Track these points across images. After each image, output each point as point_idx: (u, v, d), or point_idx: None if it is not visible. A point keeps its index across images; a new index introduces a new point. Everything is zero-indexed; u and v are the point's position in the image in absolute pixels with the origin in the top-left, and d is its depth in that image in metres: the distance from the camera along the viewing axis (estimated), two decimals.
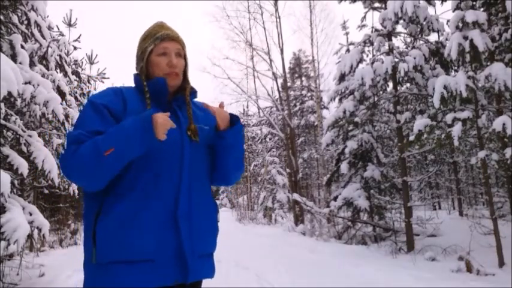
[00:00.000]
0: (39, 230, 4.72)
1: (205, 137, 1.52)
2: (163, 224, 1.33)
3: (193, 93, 1.59)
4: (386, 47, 8.37)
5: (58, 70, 7.24)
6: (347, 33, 11.64)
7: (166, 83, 1.46)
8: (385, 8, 8.32)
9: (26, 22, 5.84)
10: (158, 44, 1.48)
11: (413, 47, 8.32)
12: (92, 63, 12.28)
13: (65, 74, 7.56)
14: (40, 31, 6.23)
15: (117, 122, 1.36)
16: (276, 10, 15.50)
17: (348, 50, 10.82)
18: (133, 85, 1.54)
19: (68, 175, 1.33)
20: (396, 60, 7.97)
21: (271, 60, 15.62)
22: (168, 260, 1.33)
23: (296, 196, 12.24)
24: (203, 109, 1.64)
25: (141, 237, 1.30)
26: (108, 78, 12.32)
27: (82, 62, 12.23)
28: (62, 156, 1.33)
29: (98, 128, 1.33)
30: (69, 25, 10.33)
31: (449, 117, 6.01)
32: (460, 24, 5.98)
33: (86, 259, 1.37)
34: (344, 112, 8.92)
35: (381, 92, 8.98)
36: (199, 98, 1.73)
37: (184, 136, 1.44)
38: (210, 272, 1.51)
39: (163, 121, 1.30)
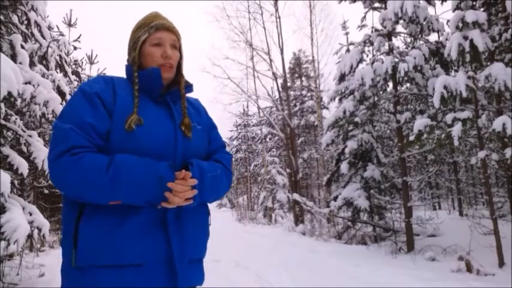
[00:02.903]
0: (39, 230, 4.72)
1: (198, 135, 1.44)
2: (152, 227, 1.25)
3: (189, 87, 1.50)
4: (386, 47, 8.37)
5: (58, 70, 7.24)
6: (347, 33, 11.65)
7: (161, 73, 1.36)
8: (385, 8, 8.32)
9: (26, 22, 5.85)
10: (152, 34, 1.40)
11: (413, 47, 8.32)
12: (92, 63, 12.28)
13: (65, 74, 7.56)
14: (40, 31, 6.23)
15: (108, 113, 1.27)
16: (276, 10, 15.51)
17: (348, 50, 10.83)
18: (125, 76, 1.45)
19: (61, 188, 1.22)
20: (396, 60, 7.96)
21: (271, 60, 15.64)
22: (156, 264, 1.24)
23: (296, 196, 12.24)
24: (196, 107, 1.57)
25: (128, 240, 1.21)
26: None
27: (82, 62, 12.23)
28: (56, 166, 1.19)
29: (89, 120, 1.23)
30: (69, 25, 10.33)
31: (449, 117, 6.01)
32: (460, 24, 5.98)
33: (64, 264, 1.25)
34: (344, 112, 8.92)
35: (381, 92, 8.98)
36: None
37: (177, 131, 1.36)
38: (199, 279, 1.42)
39: (179, 200, 1.22)
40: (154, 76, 1.36)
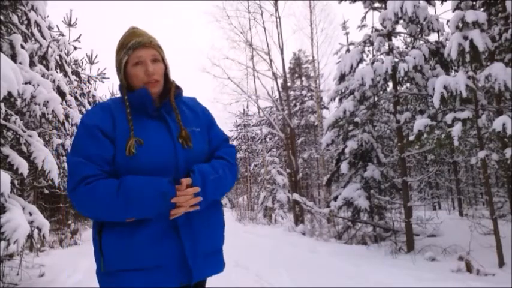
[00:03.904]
0: (39, 230, 4.72)
1: (198, 140, 1.50)
2: (164, 234, 1.38)
3: (179, 94, 1.55)
4: (386, 47, 8.37)
5: (58, 70, 7.25)
6: (347, 33, 11.63)
7: (149, 93, 1.44)
8: (385, 8, 8.31)
9: (26, 22, 5.85)
10: (131, 54, 1.45)
11: (413, 47, 8.32)
12: (92, 63, 12.29)
13: (65, 74, 7.57)
14: (40, 31, 6.23)
15: (110, 140, 1.39)
16: (276, 10, 15.49)
17: (348, 50, 10.82)
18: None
19: (82, 213, 1.41)
20: (396, 60, 7.96)
21: (271, 60, 15.62)
22: (172, 265, 1.38)
23: (296, 196, 12.24)
24: (192, 108, 1.61)
25: (145, 246, 1.35)
26: (108, 78, 12.36)
27: (82, 62, 12.24)
28: (74, 195, 1.35)
29: (94, 151, 1.37)
30: (69, 25, 10.34)
31: (449, 117, 6.01)
32: (460, 24, 5.97)
33: (97, 268, 1.44)
34: (344, 112, 8.92)
35: (381, 92, 8.97)
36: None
37: (176, 144, 1.43)
38: (218, 268, 1.55)
39: (184, 209, 1.37)
40: (143, 96, 1.43)
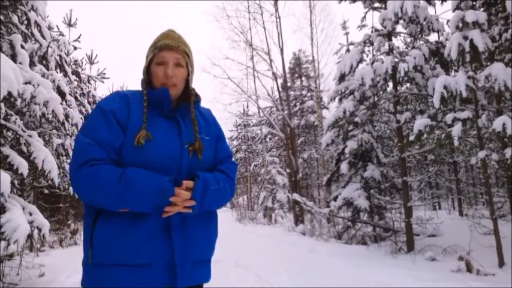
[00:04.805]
0: (39, 230, 4.72)
1: (206, 148, 1.53)
2: (157, 233, 1.38)
3: (197, 101, 1.60)
4: (386, 47, 8.37)
5: (58, 70, 7.24)
6: (347, 33, 11.64)
7: (169, 93, 1.47)
8: (385, 8, 8.31)
9: (26, 22, 5.84)
10: (157, 53, 1.50)
11: (413, 47, 8.32)
12: (92, 63, 12.29)
13: (65, 74, 7.56)
14: (40, 31, 6.23)
15: (122, 129, 1.41)
16: (276, 10, 15.51)
17: (348, 50, 10.82)
18: (140, 88, 1.57)
19: (80, 195, 1.39)
20: (396, 60, 7.96)
21: (271, 60, 15.63)
22: (160, 265, 1.38)
23: (296, 196, 12.24)
24: (206, 117, 1.64)
25: (135, 245, 1.35)
26: (108, 78, 12.37)
27: (82, 62, 12.24)
28: (76, 175, 1.35)
29: (105, 136, 1.38)
30: (69, 25, 10.34)
31: (449, 117, 6.01)
32: (460, 24, 5.98)
33: (83, 259, 1.43)
34: (344, 112, 8.92)
35: (381, 92, 8.97)
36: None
37: (184, 148, 1.45)
38: (204, 277, 1.54)
39: (178, 208, 1.37)
40: (162, 95, 1.47)
